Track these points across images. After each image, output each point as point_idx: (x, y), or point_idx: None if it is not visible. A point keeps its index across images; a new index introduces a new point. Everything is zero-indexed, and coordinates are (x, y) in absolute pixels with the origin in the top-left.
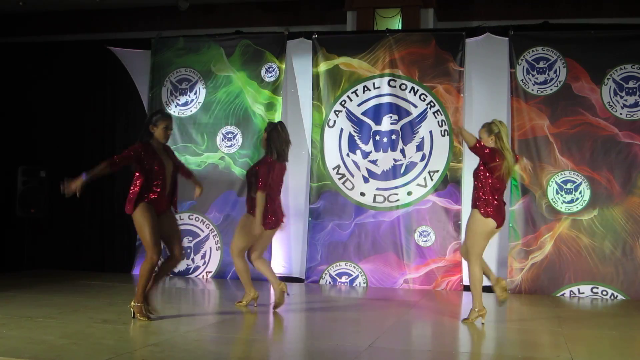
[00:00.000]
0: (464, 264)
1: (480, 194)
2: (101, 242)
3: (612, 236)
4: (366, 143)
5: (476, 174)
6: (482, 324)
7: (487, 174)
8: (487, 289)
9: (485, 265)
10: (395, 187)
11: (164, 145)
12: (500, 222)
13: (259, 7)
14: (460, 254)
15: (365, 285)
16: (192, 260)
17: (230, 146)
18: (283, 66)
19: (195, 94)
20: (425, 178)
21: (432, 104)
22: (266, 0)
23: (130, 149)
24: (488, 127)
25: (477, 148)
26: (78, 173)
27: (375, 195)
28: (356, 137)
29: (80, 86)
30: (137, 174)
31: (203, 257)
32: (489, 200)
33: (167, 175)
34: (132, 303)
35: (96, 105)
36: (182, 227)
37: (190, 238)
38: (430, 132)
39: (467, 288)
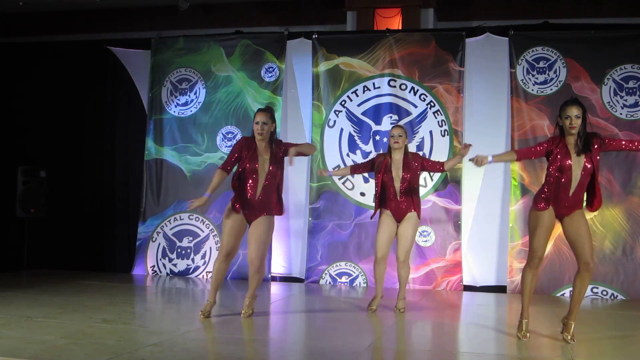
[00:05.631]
0: (464, 264)
1: None
2: (101, 242)
3: (612, 236)
4: (366, 143)
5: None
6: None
7: None
8: (491, 289)
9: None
10: None
11: (271, 142)
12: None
13: (259, 7)
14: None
15: (365, 285)
16: (192, 260)
17: (230, 146)
18: (283, 66)
19: (195, 94)
20: (425, 178)
21: (432, 104)
22: (266, 0)
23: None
24: None
25: None
26: (78, 173)
27: None
28: (356, 137)
29: (81, 86)
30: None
31: (203, 257)
32: None
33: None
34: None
35: (96, 105)
36: (182, 227)
37: (190, 238)
38: (431, 132)
39: (467, 288)
